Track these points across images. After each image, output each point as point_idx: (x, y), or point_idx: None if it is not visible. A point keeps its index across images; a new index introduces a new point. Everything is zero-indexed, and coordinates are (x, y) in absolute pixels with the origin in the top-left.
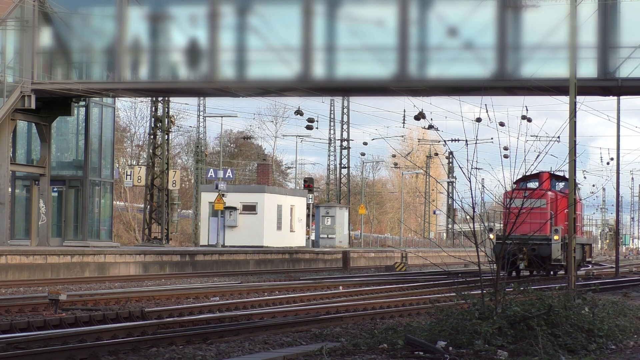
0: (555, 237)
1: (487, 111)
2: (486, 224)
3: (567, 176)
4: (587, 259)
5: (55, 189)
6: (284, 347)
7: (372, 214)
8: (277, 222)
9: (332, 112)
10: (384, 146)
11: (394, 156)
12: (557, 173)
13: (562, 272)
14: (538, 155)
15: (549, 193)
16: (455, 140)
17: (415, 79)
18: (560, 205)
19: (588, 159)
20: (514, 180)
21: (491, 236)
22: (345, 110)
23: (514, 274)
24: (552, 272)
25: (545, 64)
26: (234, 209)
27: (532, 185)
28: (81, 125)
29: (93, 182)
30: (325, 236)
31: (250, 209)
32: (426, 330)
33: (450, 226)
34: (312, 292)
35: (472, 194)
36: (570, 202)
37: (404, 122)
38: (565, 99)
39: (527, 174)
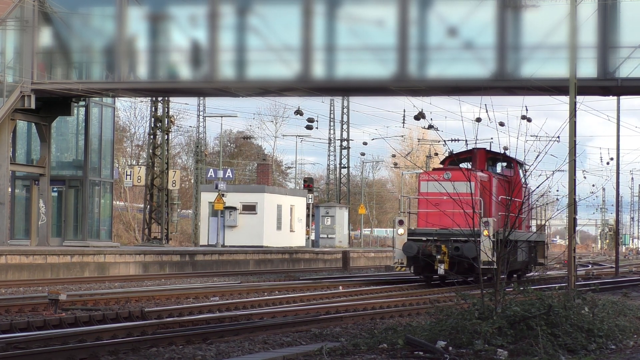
0: (485, 233)
1: (487, 111)
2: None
3: (512, 155)
4: (538, 261)
5: (55, 189)
6: (284, 347)
7: (372, 213)
8: (277, 222)
9: (332, 112)
10: (384, 146)
11: (393, 156)
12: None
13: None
14: (538, 155)
15: (480, 175)
16: (455, 140)
17: (415, 79)
18: (497, 192)
19: (587, 158)
20: (441, 160)
21: (400, 231)
22: (345, 110)
23: (455, 280)
24: (485, 278)
25: (545, 64)
26: (234, 209)
27: (466, 166)
28: (81, 125)
29: (93, 182)
30: (325, 236)
31: (250, 209)
32: (426, 330)
33: None
34: (312, 292)
35: (472, 194)
36: (570, 202)
37: (403, 122)
38: (565, 99)
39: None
